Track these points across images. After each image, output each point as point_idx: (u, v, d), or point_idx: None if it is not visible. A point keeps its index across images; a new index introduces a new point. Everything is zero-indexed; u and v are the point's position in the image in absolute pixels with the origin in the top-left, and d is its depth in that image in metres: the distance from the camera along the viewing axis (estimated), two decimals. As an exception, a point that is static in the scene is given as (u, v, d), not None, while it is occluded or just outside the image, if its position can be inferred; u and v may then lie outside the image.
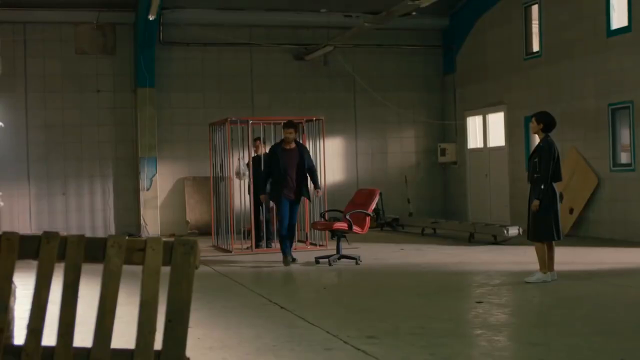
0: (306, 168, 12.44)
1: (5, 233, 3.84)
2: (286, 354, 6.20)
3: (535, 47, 17.23)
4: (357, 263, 12.20)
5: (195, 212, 18.89)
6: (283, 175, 12.22)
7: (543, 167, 9.49)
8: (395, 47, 20.42)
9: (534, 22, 17.33)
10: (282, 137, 12.62)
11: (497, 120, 18.81)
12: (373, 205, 12.55)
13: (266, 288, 10.20)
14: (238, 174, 14.87)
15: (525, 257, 12.02)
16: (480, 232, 15.42)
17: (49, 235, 3.83)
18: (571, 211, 15.67)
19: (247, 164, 14.74)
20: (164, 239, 3.88)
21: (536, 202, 9.49)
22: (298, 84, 19.82)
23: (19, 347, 3.69)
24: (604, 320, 7.34)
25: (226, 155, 14.77)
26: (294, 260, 12.43)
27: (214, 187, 15.57)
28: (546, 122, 9.77)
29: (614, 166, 14.86)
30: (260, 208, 14.59)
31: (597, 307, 8.13)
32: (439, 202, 20.92)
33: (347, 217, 12.20)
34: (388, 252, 14.08)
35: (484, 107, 19.16)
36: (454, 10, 20.40)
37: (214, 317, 7.93)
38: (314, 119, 14.85)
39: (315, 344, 6.54)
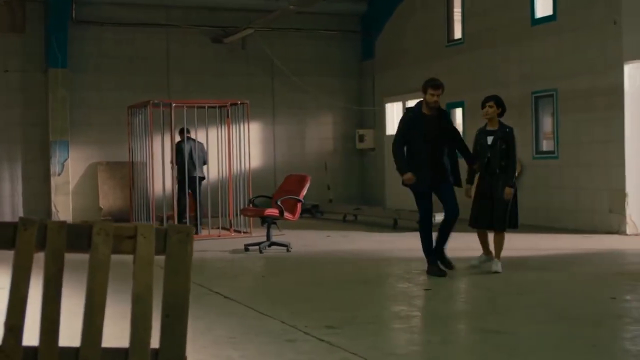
0: (451, 140, 9.35)
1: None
2: (247, 347, 5.89)
3: (458, 34, 17.26)
4: (288, 250, 11.93)
5: (108, 198, 18.23)
6: (425, 150, 9.05)
7: (513, 153, 9.12)
8: (314, 31, 20.17)
9: (456, 9, 17.36)
10: (422, 100, 9.28)
11: (417, 107, 18.77)
12: (304, 192, 12.29)
13: (201, 277, 9.81)
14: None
15: (457, 243, 11.97)
16: (404, 218, 15.36)
17: (26, 221, 3.42)
18: (493, 198, 15.77)
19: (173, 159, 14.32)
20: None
21: (510, 190, 8.97)
22: (216, 67, 19.33)
23: (-6, 348, 3.28)
24: (560, 307, 7.28)
25: (147, 140, 14.21)
26: (448, 267, 9.29)
27: (133, 173, 15.01)
28: (504, 107, 9.35)
29: (536, 153, 15.02)
30: (183, 194, 14.15)
31: (547, 293, 8.08)
32: (356, 188, 20.83)
33: (279, 203, 11.91)
34: (315, 239, 13.85)
35: (404, 94, 19.10)
36: (373, -4, 20.30)
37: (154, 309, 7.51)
38: (239, 102, 14.46)
39: (274, 335, 6.25)
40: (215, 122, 14.96)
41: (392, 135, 19.47)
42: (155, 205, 14.19)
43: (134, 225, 3.48)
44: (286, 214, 11.95)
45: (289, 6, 16.05)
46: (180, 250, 3.45)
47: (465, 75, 16.79)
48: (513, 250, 11.49)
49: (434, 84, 9.15)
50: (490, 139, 9.17)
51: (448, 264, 9.25)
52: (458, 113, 17.40)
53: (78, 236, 3.45)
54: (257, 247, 11.93)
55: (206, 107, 14.66)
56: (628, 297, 7.73)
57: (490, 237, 9.38)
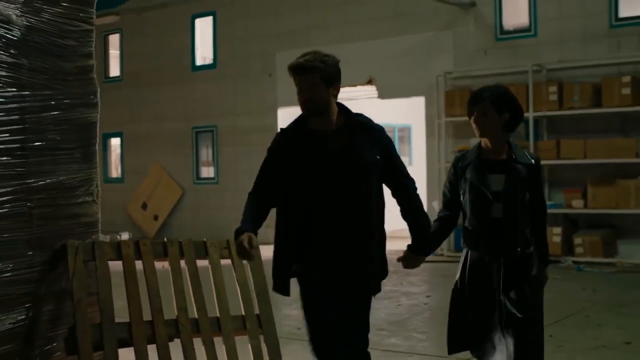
0: (394, 183, 4.31)
1: (140, 241, 5.27)
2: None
3: (116, 72, 19.27)
4: None
5: None
6: (307, 212, 4.23)
7: (543, 204, 4.66)
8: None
9: (113, 49, 19.34)
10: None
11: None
12: None
13: None
14: None
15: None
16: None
17: (170, 241, 5.37)
18: (156, 218, 18.17)
19: None
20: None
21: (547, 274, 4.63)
22: None
23: (174, 320, 5.19)
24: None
25: None
26: None
27: None
28: (515, 114, 4.46)
29: (197, 179, 17.76)
30: None
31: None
32: None
33: None
34: None
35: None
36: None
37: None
38: None
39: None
40: None
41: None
42: None
43: (226, 241, 5.60)
44: None
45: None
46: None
47: (124, 109, 18.87)
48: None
49: (292, 67, 4.16)
50: (497, 180, 4.46)
51: None
52: (115, 142, 19.42)
53: (199, 249, 5.50)
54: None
55: None
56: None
57: None
